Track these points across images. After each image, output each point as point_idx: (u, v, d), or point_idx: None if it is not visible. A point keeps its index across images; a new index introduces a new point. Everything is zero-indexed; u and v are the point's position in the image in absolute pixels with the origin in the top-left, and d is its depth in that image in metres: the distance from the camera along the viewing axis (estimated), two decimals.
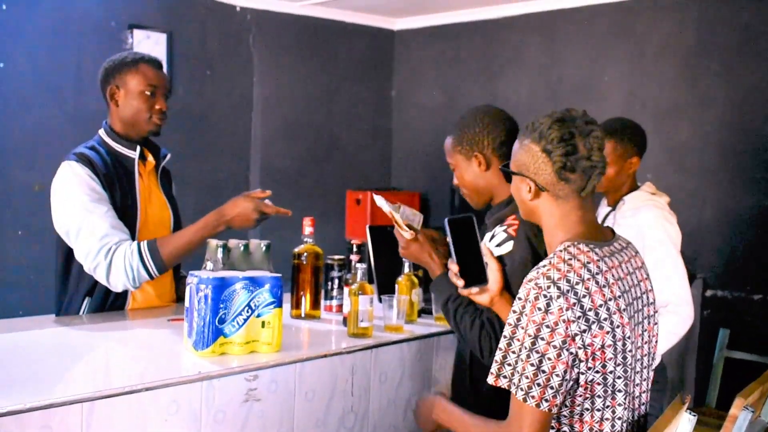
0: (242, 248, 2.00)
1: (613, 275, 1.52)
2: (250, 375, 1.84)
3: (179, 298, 2.58)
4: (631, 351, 1.52)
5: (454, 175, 2.12)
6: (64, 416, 1.53)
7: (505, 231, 1.91)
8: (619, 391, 1.50)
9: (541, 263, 1.52)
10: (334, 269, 2.44)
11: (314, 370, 1.99)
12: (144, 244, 2.28)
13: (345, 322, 2.29)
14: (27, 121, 4.09)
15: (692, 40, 4.12)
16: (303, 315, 2.38)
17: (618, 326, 1.48)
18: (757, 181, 3.89)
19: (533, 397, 1.44)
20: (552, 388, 1.44)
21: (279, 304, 1.94)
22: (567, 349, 1.43)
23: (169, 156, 2.59)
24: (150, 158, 2.51)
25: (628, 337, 1.51)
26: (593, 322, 1.45)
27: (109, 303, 2.38)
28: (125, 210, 2.37)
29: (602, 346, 1.46)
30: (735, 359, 3.70)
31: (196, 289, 1.87)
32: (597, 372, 1.47)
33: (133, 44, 4.40)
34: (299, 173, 5.18)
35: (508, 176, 1.71)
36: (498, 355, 1.50)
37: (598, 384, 1.48)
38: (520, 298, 1.49)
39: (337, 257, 2.45)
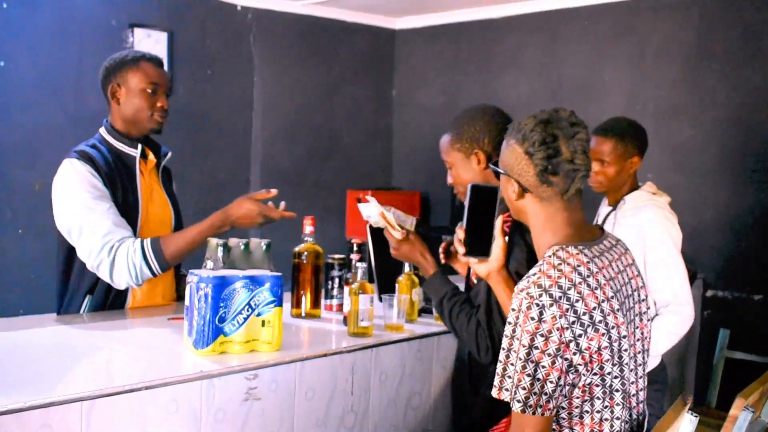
0: (242, 247, 2.00)
1: (604, 276, 1.51)
2: (250, 374, 1.84)
3: (180, 297, 2.58)
4: (627, 350, 1.52)
5: (448, 174, 2.12)
6: (64, 415, 1.53)
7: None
8: (617, 390, 1.50)
9: (531, 271, 1.51)
10: (334, 268, 2.44)
11: (314, 370, 1.98)
12: (147, 242, 2.28)
13: (345, 321, 2.28)
14: (28, 119, 4.10)
15: (693, 40, 4.11)
16: (303, 314, 2.38)
17: (613, 327, 1.47)
18: (758, 181, 3.89)
19: (531, 406, 1.43)
20: (546, 394, 1.43)
21: (279, 303, 1.94)
22: (561, 356, 1.42)
23: (170, 154, 2.59)
24: (151, 156, 2.51)
25: (624, 337, 1.50)
26: (588, 326, 1.44)
27: (110, 301, 2.38)
28: (126, 208, 2.37)
29: (599, 349, 1.45)
30: (735, 359, 3.70)
31: (197, 287, 1.87)
32: (595, 374, 1.46)
33: (134, 43, 4.41)
34: (300, 172, 5.18)
35: (497, 174, 1.71)
36: (498, 368, 1.49)
37: (597, 386, 1.47)
38: (513, 309, 1.47)
39: (337, 256, 2.45)
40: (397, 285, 2.40)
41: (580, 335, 1.43)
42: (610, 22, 4.46)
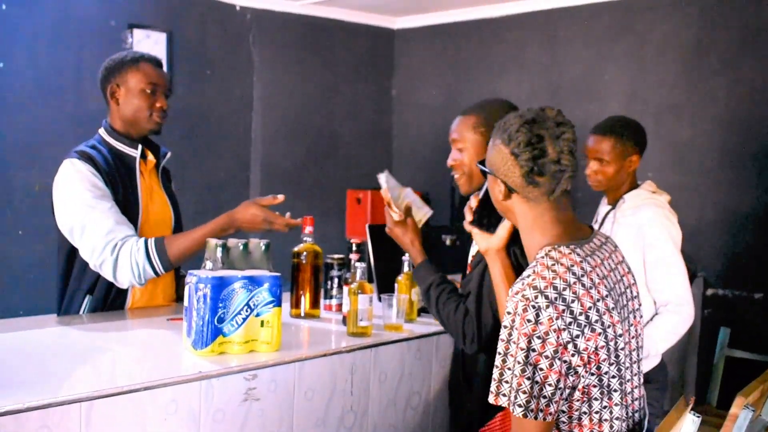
0: (241, 247, 2.00)
1: (597, 274, 1.50)
2: (249, 374, 1.84)
3: (180, 297, 2.58)
4: (623, 349, 1.51)
5: (452, 155, 2.08)
6: (63, 416, 1.53)
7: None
8: (615, 390, 1.49)
9: (525, 273, 1.49)
10: (333, 268, 2.44)
11: (314, 370, 1.98)
12: (151, 242, 2.28)
13: (345, 321, 2.28)
14: (27, 120, 4.09)
15: (693, 38, 4.11)
16: (302, 314, 2.38)
17: (609, 326, 1.46)
18: (758, 179, 3.89)
19: (532, 410, 1.41)
20: (545, 397, 1.41)
21: (278, 303, 1.94)
22: (559, 358, 1.41)
23: (169, 154, 2.59)
24: (150, 157, 2.51)
25: (620, 335, 1.49)
26: (585, 326, 1.43)
27: (110, 301, 2.38)
28: (127, 208, 2.37)
29: (596, 349, 1.44)
30: (736, 358, 3.70)
31: (195, 288, 1.87)
32: (593, 375, 1.45)
33: (133, 44, 4.40)
34: (299, 172, 5.18)
35: (484, 174, 1.70)
36: (495, 373, 1.47)
37: (594, 386, 1.46)
38: (509, 313, 1.46)
39: (336, 256, 2.45)
40: (396, 285, 2.40)
41: (577, 336, 1.42)
42: (610, 20, 4.45)
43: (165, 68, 2.56)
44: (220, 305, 1.86)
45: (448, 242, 4.66)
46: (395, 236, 2.14)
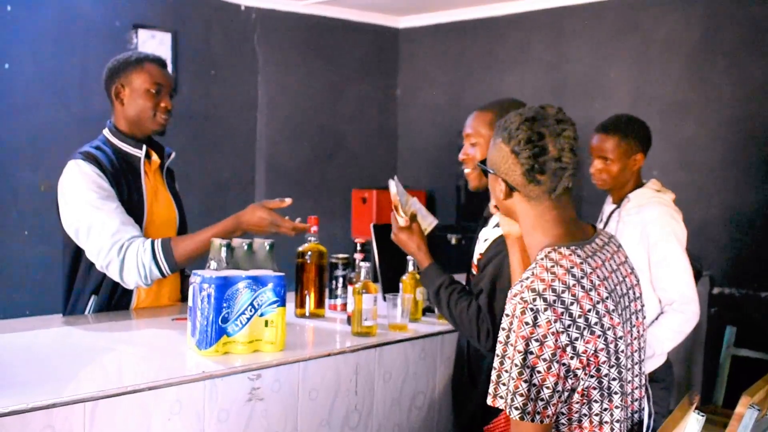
0: (246, 247, 2.00)
1: (598, 276, 1.48)
2: (254, 374, 1.84)
3: (185, 298, 2.58)
4: (624, 351, 1.49)
5: (465, 149, 2.10)
6: (68, 416, 1.53)
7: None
8: (615, 393, 1.47)
9: (524, 275, 1.48)
10: (338, 268, 2.44)
11: (318, 369, 1.98)
12: (158, 243, 2.29)
13: (349, 320, 2.28)
14: (32, 121, 4.11)
15: (698, 36, 4.10)
16: (307, 314, 2.38)
17: (609, 328, 1.45)
18: (763, 177, 3.87)
19: (529, 413, 1.40)
20: (543, 400, 1.40)
21: (282, 303, 1.94)
22: (557, 361, 1.40)
23: (173, 154, 2.59)
24: (155, 157, 2.51)
25: (620, 338, 1.48)
26: (584, 329, 1.41)
27: (115, 301, 2.39)
28: (131, 208, 2.37)
29: (595, 351, 1.42)
30: (742, 357, 3.68)
31: (200, 288, 1.87)
32: (592, 377, 1.44)
33: (138, 44, 4.41)
34: (304, 172, 5.18)
35: (485, 173, 1.69)
36: (493, 375, 1.47)
37: (594, 389, 1.45)
38: (507, 315, 1.45)
39: (341, 256, 2.45)
40: (400, 284, 2.40)
41: (576, 339, 1.41)
42: (615, 18, 4.44)
43: (170, 68, 2.56)
44: (225, 305, 1.86)
45: (453, 241, 4.66)
46: (400, 242, 2.15)
